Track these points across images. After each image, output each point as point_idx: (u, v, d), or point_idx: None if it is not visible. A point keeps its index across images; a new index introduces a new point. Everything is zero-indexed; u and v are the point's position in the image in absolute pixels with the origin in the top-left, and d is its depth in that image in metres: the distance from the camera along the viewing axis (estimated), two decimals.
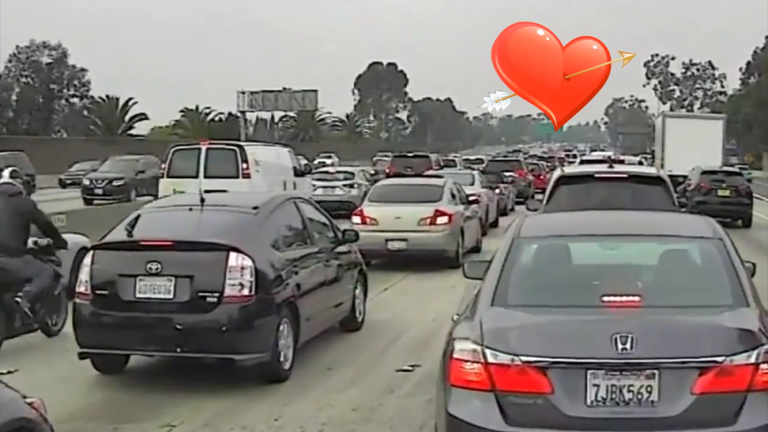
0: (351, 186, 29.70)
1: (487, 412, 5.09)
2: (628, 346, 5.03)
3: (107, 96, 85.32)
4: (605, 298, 5.60)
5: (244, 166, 20.97)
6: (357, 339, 11.02)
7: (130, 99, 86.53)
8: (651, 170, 16.38)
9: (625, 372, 5.05)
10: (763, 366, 4.99)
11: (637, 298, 5.66)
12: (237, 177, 20.56)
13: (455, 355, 5.28)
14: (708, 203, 23.98)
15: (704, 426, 4.97)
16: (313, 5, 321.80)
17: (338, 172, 32.25)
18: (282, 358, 8.87)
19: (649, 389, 5.05)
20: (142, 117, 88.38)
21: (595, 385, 5.06)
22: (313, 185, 27.86)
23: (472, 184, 24.54)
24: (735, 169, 31.21)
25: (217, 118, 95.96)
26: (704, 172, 27.30)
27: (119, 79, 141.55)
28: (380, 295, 13.95)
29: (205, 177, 20.40)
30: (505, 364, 5.11)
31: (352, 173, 31.72)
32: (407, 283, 15.87)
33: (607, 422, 5.04)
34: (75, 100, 79.58)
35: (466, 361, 5.20)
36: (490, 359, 5.14)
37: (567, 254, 6.31)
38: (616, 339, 5.05)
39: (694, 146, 34.84)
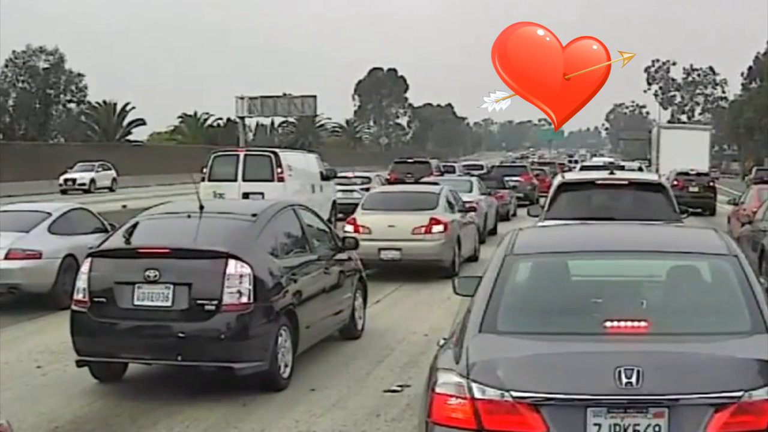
0: (368, 190, 30.37)
1: None
2: (633, 380, 4.42)
3: (104, 101, 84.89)
4: (608, 324, 4.99)
5: (279, 170, 22.51)
6: (343, 356, 10.42)
7: (128, 104, 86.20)
8: (652, 177, 16.91)
9: (630, 410, 4.45)
10: None
11: (643, 324, 5.01)
12: (272, 180, 22.22)
13: (437, 389, 4.67)
14: (682, 197, 28.28)
15: None
16: (313, 11, 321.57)
17: (356, 176, 33.66)
18: (281, 367, 8.79)
19: (657, 429, 4.44)
20: (140, 122, 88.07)
21: (596, 424, 4.47)
22: None
23: (471, 191, 24.21)
24: (704, 170, 37.38)
25: (215, 124, 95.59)
26: (679, 173, 34.40)
27: (117, 84, 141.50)
28: (371, 308, 13.23)
29: (244, 180, 22.26)
30: (494, 400, 4.51)
31: (369, 178, 33.03)
32: (400, 295, 15.26)
33: None
34: (72, 105, 78.94)
35: (450, 395, 4.60)
36: (477, 394, 4.54)
37: (565, 273, 5.63)
38: (620, 372, 4.44)
39: (684, 153, 41.22)
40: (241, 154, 23.32)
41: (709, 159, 44.83)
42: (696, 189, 33.17)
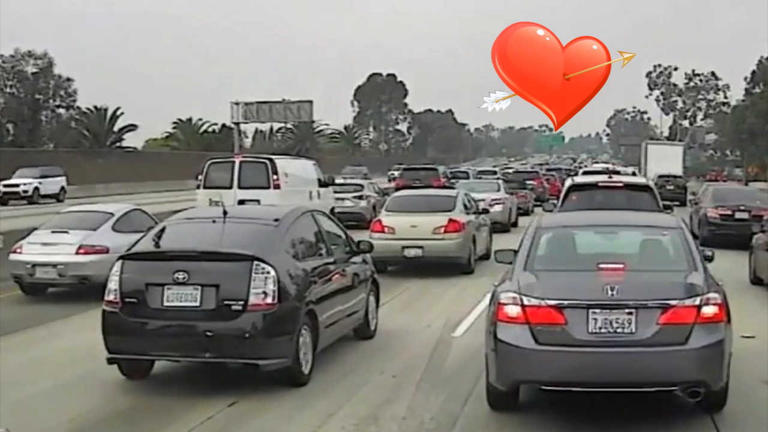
0: (360, 198, 30.63)
1: (523, 336, 7.45)
2: (615, 292, 7.46)
3: (95, 106, 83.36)
4: (601, 265, 8.07)
5: (275, 177, 22.23)
6: (341, 365, 10.12)
7: (118, 109, 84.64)
8: (642, 180, 21.53)
9: (614, 310, 7.42)
10: (704, 308, 7.43)
11: (621, 265, 8.13)
12: (268, 188, 21.94)
13: (501, 300, 7.67)
14: (661, 193, 35.92)
15: (666, 345, 7.33)
16: (311, 16, 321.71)
17: (348, 184, 33.32)
18: (302, 364, 9.20)
19: (629, 321, 7.41)
20: (131, 128, 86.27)
21: (594, 318, 7.42)
22: None
23: (498, 190, 29.57)
24: (678, 174, 51.39)
25: (210, 130, 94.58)
26: (660, 176, 47.73)
27: (110, 89, 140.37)
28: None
29: (239, 188, 21.96)
30: (535, 305, 7.51)
31: (362, 185, 32.82)
32: (404, 298, 15.11)
33: (603, 342, 7.37)
34: (61, 110, 77.74)
35: (509, 304, 7.60)
36: (526, 302, 7.54)
37: (572, 238, 8.93)
38: (607, 288, 7.49)
39: (664, 162, 57.49)
40: (237, 161, 23.04)
41: (681, 166, 60.77)
42: (671, 187, 45.19)
